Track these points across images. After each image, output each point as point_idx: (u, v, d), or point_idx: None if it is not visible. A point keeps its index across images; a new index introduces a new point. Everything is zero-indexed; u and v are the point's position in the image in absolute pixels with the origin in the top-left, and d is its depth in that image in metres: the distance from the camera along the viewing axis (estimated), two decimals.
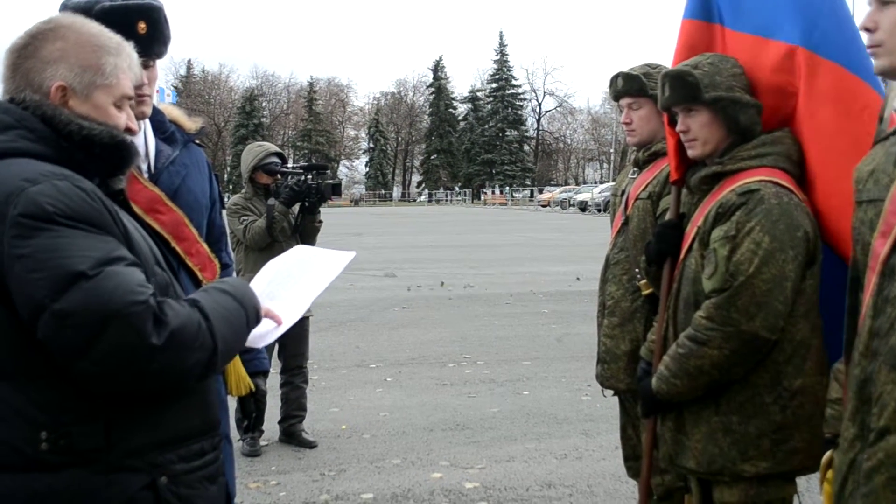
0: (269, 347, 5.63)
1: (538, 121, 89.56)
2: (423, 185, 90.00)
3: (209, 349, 1.74)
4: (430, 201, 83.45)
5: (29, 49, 1.85)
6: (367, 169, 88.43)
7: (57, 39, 1.85)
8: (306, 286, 2.28)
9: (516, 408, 6.68)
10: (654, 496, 3.43)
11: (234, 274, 3.53)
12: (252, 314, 1.93)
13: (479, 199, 79.67)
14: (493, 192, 78.16)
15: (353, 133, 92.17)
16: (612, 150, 74.95)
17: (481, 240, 26.17)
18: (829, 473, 2.07)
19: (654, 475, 3.28)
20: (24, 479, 1.70)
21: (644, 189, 3.58)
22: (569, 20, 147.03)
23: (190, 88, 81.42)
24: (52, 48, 1.84)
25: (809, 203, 2.69)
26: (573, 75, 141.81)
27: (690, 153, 2.83)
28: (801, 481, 2.82)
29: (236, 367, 2.65)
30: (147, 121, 2.75)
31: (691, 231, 2.80)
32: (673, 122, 2.89)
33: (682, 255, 2.83)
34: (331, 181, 5.86)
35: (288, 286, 2.27)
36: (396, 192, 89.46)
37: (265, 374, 2.96)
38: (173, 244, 2.68)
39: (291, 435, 5.83)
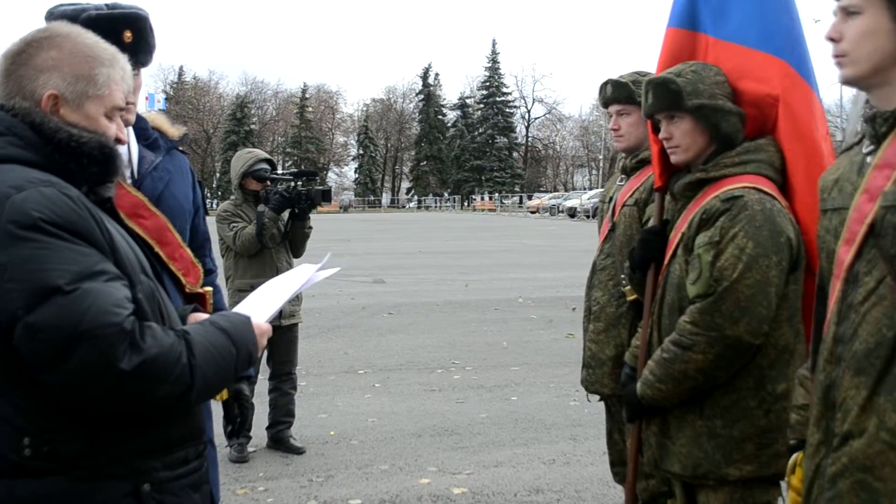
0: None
1: (527, 128, 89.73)
2: (413, 191, 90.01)
3: (184, 385, 1.72)
4: (419, 208, 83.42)
5: (23, 56, 1.86)
6: (357, 175, 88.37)
7: (52, 48, 1.86)
8: (285, 289, 2.29)
9: (504, 413, 6.70)
10: (640, 501, 3.45)
11: (223, 280, 3.53)
12: (244, 357, 1.90)
13: (469, 205, 79.75)
14: (483, 199, 78.24)
15: (342, 140, 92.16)
16: (600, 157, 75.23)
17: (470, 246, 26.19)
18: (794, 479, 2.08)
19: (640, 480, 3.30)
20: (8, 485, 1.70)
21: (631, 196, 3.61)
22: (558, 28, 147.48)
23: (180, 95, 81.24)
24: (47, 56, 1.85)
25: (792, 210, 2.72)
26: (562, 83, 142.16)
27: (673, 160, 2.85)
28: (785, 485, 2.84)
29: None
30: (130, 128, 2.77)
31: (675, 237, 2.82)
32: (657, 130, 2.92)
33: (666, 261, 2.86)
34: (320, 187, 5.88)
35: (275, 291, 2.28)
36: (386, 198, 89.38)
37: (249, 379, 2.97)
38: (156, 249, 2.70)
39: (279, 441, 5.83)
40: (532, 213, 59.87)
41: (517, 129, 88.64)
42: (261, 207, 5.72)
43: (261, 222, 5.64)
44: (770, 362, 2.63)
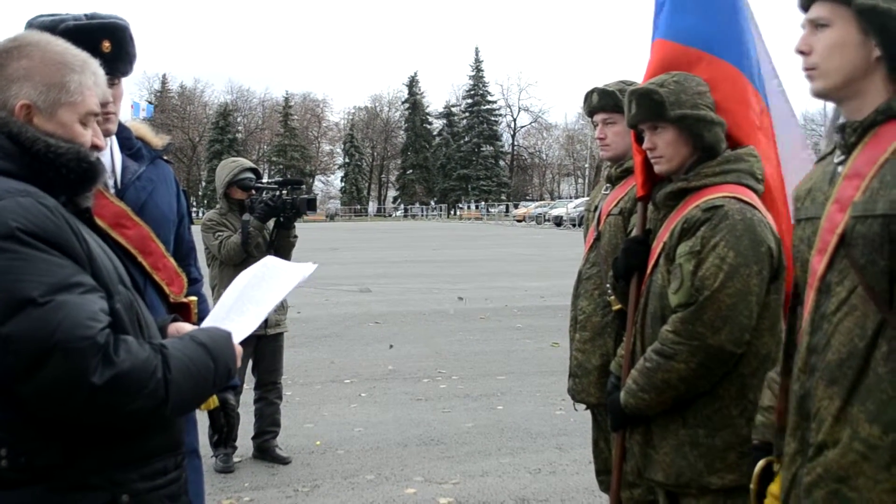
0: (243, 363, 5.64)
1: (513, 136, 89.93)
2: (399, 200, 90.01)
3: (158, 400, 1.71)
4: (405, 216, 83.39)
5: None
6: (343, 184, 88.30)
7: (22, 57, 1.85)
8: (264, 299, 2.28)
9: (490, 423, 6.70)
10: None
11: (209, 289, 3.52)
12: (222, 373, 1.90)
13: (455, 214, 79.81)
14: (469, 208, 78.34)
15: (328, 148, 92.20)
16: (587, 166, 75.51)
17: (456, 255, 26.20)
18: (773, 486, 2.08)
19: (624, 489, 3.31)
20: None
21: (616, 205, 3.62)
22: (543, 36, 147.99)
23: (164, 103, 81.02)
24: (18, 66, 1.84)
25: (773, 219, 2.75)
26: (548, 91, 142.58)
27: (657, 169, 2.87)
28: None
29: None
30: (113, 137, 2.77)
31: (657, 246, 2.83)
32: (640, 140, 2.94)
33: (648, 271, 2.87)
34: (306, 196, 5.87)
35: (254, 300, 2.27)
36: (372, 207, 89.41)
37: (234, 388, 2.97)
38: (139, 258, 2.70)
39: (265, 451, 5.82)
40: (518, 221, 59.98)
41: (503, 138, 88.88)
42: (246, 216, 5.70)
43: (246, 231, 5.63)
44: (752, 371, 2.64)
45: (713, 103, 2.83)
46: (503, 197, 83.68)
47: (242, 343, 2.09)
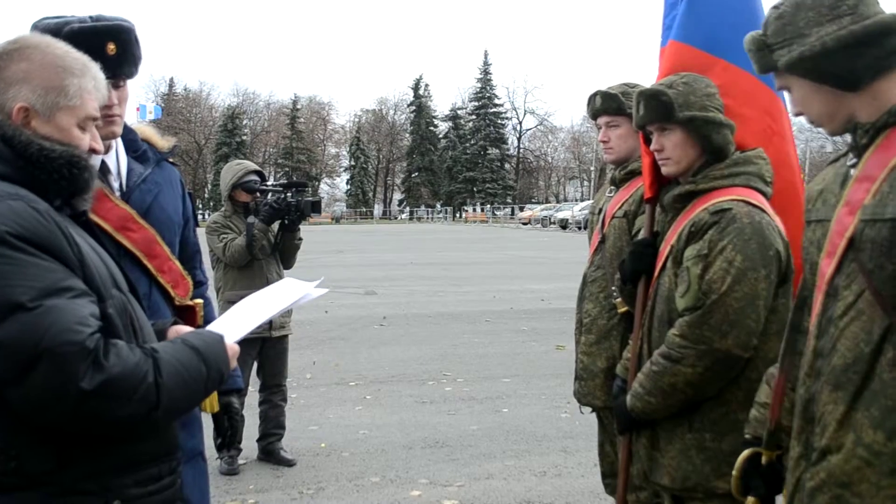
0: (248, 366, 5.64)
1: (519, 139, 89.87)
2: (405, 202, 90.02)
3: (149, 405, 1.70)
4: (411, 219, 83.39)
5: None
6: (349, 187, 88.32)
7: (22, 60, 1.84)
8: (266, 307, 2.27)
9: (495, 425, 6.69)
10: None
11: (213, 292, 3.52)
12: (215, 377, 1.88)
13: (461, 216, 79.78)
14: (475, 210, 78.30)
15: (334, 151, 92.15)
16: (592, 168, 75.40)
17: (462, 257, 26.19)
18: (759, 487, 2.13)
19: (630, 492, 3.29)
20: None
21: (620, 207, 3.61)
22: (549, 39, 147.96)
23: (171, 106, 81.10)
24: (17, 68, 1.83)
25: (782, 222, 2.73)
26: (553, 94, 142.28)
27: (664, 171, 2.86)
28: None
29: None
30: (119, 140, 2.76)
31: (665, 249, 2.82)
32: (648, 141, 2.92)
33: (656, 273, 2.86)
34: (310, 199, 5.87)
35: (257, 307, 2.26)
36: (378, 209, 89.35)
37: (238, 392, 2.96)
38: (145, 262, 2.69)
39: (270, 453, 5.81)
40: (524, 224, 59.93)
41: (509, 141, 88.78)
42: (251, 219, 5.71)
43: (251, 234, 5.63)
44: (759, 375, 2.60)
45: (722, 105, 2.81)
46: (509, 200, 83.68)
47: (247, 346, 2.07)
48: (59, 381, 1.60)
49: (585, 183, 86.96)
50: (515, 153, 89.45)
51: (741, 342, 2.56)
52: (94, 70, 1.95)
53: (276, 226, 5.83)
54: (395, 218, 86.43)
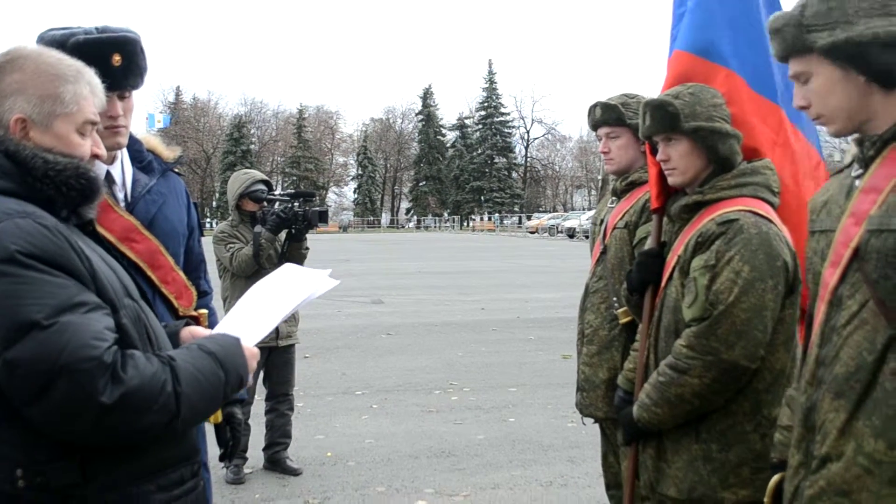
0: (255, 374, 5.63)
1: (526, 148, 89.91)
2: (412, 211, 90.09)
3: (170, 413, 1.70)
4: (418, 228, 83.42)
5: None
6: (356, 195, 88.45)
7: (14, 71, 1.84)
8: (280, 304, 2.26)
9: (502, 435, 6.67)
10: None
11: (219, 301, 3.52)
12: (233, 381, 1.88)
13: (468, 225, 79.80)
14: (482, 219, 78.31)
15: (341, 160, 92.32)
16: (599, 177, 75.24)
17: (469, 266, 26.18)
18: None
19: (636, 502, 3.28)
20: None
21: (621, 218, 3.60)
22: (556, 49, 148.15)
23: (178, 115, 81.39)
24: (10, 80, 1.83)
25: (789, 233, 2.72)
26: (561, 103, 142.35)
27: (670, 181, 2.85)
28: None
29: None
30: (124, 150, 2.76)
31: (672, 260, 2.81)
32: (655, 151, 2.92)
33: (663, 284, 2.85)
34: (317, 208, 5.86)
35: (269, 305, 2.26)
36: (385, 218, 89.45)
37: (242, 402, 2.95)
38: (148, 272, 2.69)
39: (276, 462, 5.81)
40: (531, 233, 59.93)
41: (516, 150, 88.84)
42: (258, 228, 5.71)
43: (258, 243, 5.63)
44: (766, 386, 2.62)
45: (729, 115, 2.80)
46: (516, 208, 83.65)
47: None
48: (79, 397, 1.60)
49: (593, 192, 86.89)
50: (523, 162, 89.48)
51: (748, 353, 2.55)
52: (89, 75, 1.94)
53: (283, 235, 5.83)
54: (403, 227, 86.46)
